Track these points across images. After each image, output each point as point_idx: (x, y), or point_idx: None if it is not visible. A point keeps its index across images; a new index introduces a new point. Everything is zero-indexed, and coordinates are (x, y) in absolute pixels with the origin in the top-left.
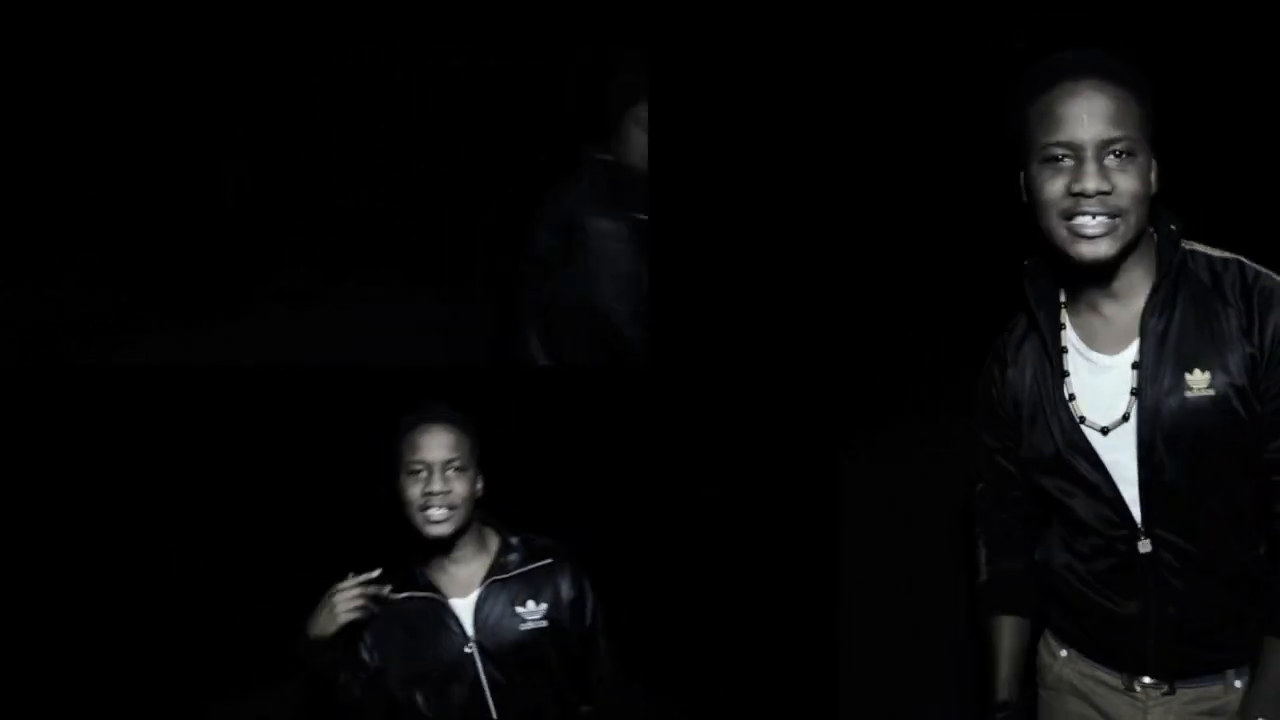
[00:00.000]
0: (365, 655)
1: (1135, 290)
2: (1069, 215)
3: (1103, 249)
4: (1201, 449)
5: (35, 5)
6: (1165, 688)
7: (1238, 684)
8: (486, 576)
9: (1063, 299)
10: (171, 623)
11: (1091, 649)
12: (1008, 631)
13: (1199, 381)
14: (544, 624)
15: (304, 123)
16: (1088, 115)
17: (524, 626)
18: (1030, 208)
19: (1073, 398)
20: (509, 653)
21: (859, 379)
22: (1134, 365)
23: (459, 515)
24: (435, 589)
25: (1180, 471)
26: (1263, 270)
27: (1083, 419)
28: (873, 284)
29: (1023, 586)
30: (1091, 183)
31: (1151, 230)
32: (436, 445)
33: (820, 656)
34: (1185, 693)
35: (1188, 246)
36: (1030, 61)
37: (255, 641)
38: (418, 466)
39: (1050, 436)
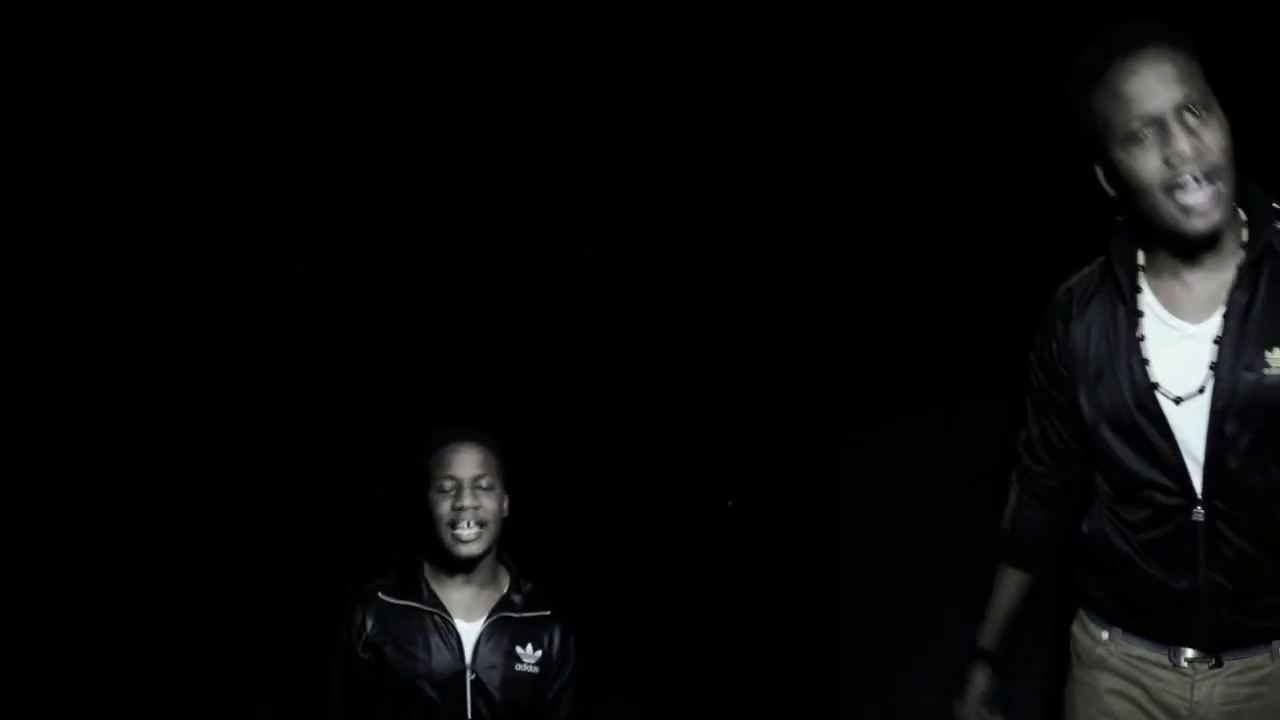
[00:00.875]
0: (365, 639)
1: (1220, 261)
2: (1170, 188)
3: (1215, 218)
4: (1273, 427)
5: (35, 4)
6: (1213, 660)
7: None
8: (495, 610)
9: (1141, 262)
10: (173, 624)
11: (1136, 624)
12: (1011, 584)
13: (1278, 359)
14: (535, 670)
15: (304, 122)
16: (1157, 82)
17: (518, 667)
18: (1124, 195)
19: (1148, 361)
20: (498, 687)
21: (860, 379)
22: (1215, 340)
23: (488, 534)
24: (442, 606)
25: (1248, 447)
26: None
27: (1156, 384)
28: (875, 287)
29: (1040, 544)
30: (1185, 144)
31: (1234, 203)
32: (467, 462)
33: (820, 655)
34: (1233, 664)
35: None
36: (1070, 55)
37: (253, 642)
38: (448, 483)
39: (1118, 396)
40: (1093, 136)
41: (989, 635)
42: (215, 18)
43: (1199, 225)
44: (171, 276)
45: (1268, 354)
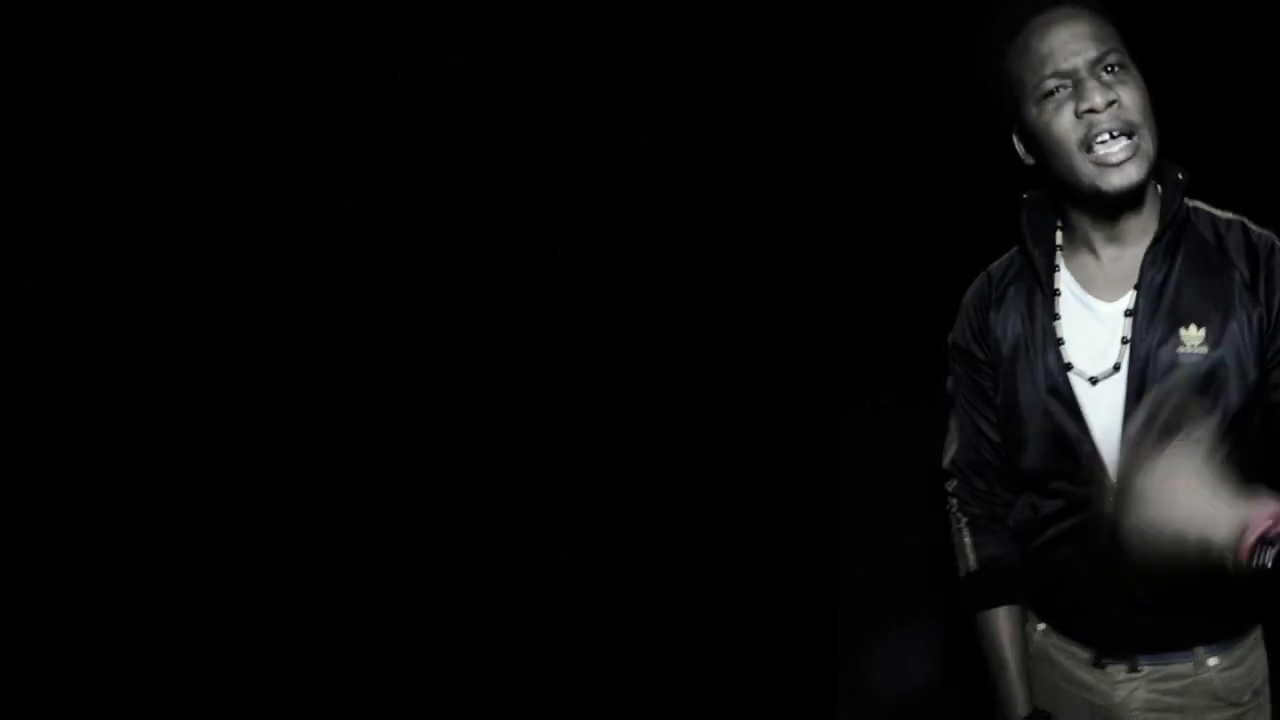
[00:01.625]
0: None
1: (1136, 236)
2: (1088, 144)
3: (1132, 174)
4: (1193, 410)
5: (35, 4)
6: (1129, 663)
7: (1211, 662)
8: None
9: (1059, 241)
10: (172, 624)
11: (1059, 621)
12: (1007, 626)
13: (1194, 338)
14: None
15: (304, 122)
16: (1072, 39)
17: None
18: (1041, 159)
19: (1062, 341)
20: None
21: (858, 378)
22: (1127, 313)
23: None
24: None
25: (1166, 431)
26: (1265, 231)
27: (1070, 366)
28: (874, 287)
29: (1014, 571)
30: (1099, 96)
31: (1154, 181)
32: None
33: (820, 655)
34: (1153, 670)
35: (1190, 203)
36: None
37: (253, 643)
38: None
39: (1031, 381)
40: (1007, 99)
41: (1022, 700)
42: (215, 17)
43: (1116, 181)
44: (171, 276)
45: (1183, 331)
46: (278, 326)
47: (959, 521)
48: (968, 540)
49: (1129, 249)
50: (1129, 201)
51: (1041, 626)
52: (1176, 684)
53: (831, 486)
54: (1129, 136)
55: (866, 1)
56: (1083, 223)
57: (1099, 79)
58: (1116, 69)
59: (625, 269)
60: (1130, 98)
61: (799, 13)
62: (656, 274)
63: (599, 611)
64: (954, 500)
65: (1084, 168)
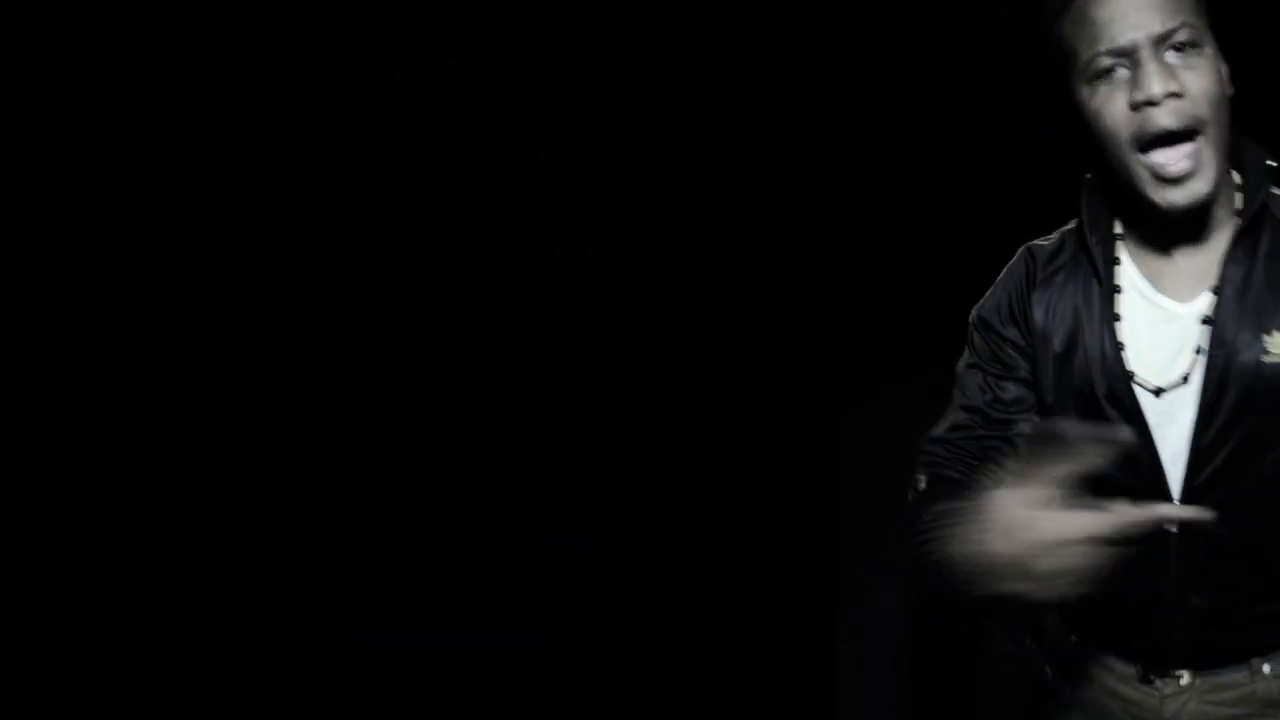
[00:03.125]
0: None
1: (1213, 229)
2: (1142, 143)
3: (1198, 188)
4: (1267, 423)
5: (35, 4)
6: (1184, 677)
7: (1266, 669)
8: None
9: (1118, 230)
10: (172, 624)
11: (1101, 635)
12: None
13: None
14: None
15: (304, 122)
16: (1134, 8)
17: None
18: (1093, 148)
19: (1123, 346)
20: None
21: (859, 378)
22: (1205, 320)
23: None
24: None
25: (1237, 446)
26: None
27: (1132, 374)
28: (875, 287)
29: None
30: (1157, 85)
31: (1229, 168)
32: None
33: (820, 655)
34: (1206, 682)
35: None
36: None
37: (253, 643)
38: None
39: (1089, 383)
40: (1059, 72)
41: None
42: (215, 17)
43: (1176, 200)
44: (171, 276)
45: (1265, 338)
46: (278, 326)
47: (920, 483)
48: (922, 477)
49: (1204, 245)
50: (1191, 214)
51: (1073, 638)
52: (1229, 694)
53: (832, 486)
54: (1191, 139)
55: (871, 5)
56: (1147, 217)
57: (1161, 60)
58: (1186, 48)
59: (625, 269)
60: (1199, 85)
61: (796, 11)
62: (656, 274)
63: (599, 611)
64: (924, 465)
65: (1139, 171)
